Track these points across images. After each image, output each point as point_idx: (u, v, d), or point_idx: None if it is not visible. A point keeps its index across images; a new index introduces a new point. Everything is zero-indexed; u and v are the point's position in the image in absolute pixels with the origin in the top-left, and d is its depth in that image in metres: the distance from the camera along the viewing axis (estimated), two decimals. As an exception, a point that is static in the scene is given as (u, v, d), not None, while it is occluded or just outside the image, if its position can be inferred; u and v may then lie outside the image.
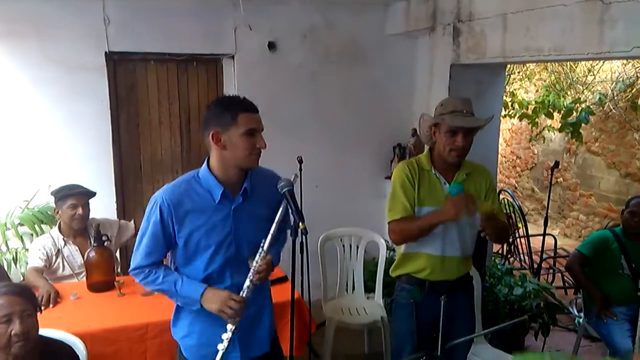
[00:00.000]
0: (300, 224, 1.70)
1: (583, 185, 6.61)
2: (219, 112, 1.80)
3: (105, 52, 3.72)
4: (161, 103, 4.11)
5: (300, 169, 3.52)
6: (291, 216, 1.78)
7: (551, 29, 2.73)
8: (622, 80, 5.60)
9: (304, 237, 1.73)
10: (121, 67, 3.93)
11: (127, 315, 2.49)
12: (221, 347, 1.83)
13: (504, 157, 8.01)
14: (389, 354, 3.23)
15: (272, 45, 4.00)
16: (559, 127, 5.84)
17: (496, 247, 5.34)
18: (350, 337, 3.67)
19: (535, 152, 7.39)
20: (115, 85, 3.93)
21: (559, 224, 7.01)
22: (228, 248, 1.88)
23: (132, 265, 1.91)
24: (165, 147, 4.17)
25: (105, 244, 2.85)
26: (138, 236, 1.90)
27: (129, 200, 4.10)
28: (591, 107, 5.73)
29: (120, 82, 3.95)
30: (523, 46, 2.92)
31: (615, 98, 5.79)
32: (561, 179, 6.90)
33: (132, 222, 3.30)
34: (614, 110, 5.92)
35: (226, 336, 1.83)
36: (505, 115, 6.18)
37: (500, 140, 7.97)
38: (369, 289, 3.70)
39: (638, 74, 5.40)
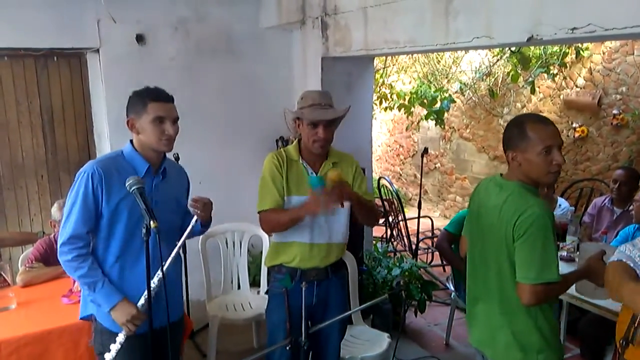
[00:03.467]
0: (152, 222, 1.69)
1: (458, 169, 7.13)
2: (134, 101, 2.02)
3: (-53, 48, 3.38)
4: (19, 102, 3.80)
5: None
6: (145, 214, 1.74)
7: (405, 21, 2.90)
8: (479, 69, 6.12)
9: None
10: (-33, 64, 3.59)
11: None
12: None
13: (389, 146, 8.40)
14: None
15: (140, 38, 3.81)
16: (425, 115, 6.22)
17: (379, 232, 5.59)
18: (239, 333, 3.65)
19: (415, 140, 7.83)
20: (-38, 84, 3.57)
21: (439, 206, 7.51)
22: None
23: (65, 236, 1.94)
24: (27, 149, 3.85)
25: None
26: (66, 210, 1.98)
27: (-14, 210, 3.74)
28: (453, 95, 6.16)
29: (-33, 81, 3.60)
30: (382, 39, 3.06)
31: (475, 86, 6.31)
32: (439, 164, 7.38)
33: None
34: (473, 98, 6.45)
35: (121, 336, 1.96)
36: (386, 108, 6.46)
37: (385, 130, 8.38)
38: (259, 283, 3.69)
39: (490, 64, 5.92)
